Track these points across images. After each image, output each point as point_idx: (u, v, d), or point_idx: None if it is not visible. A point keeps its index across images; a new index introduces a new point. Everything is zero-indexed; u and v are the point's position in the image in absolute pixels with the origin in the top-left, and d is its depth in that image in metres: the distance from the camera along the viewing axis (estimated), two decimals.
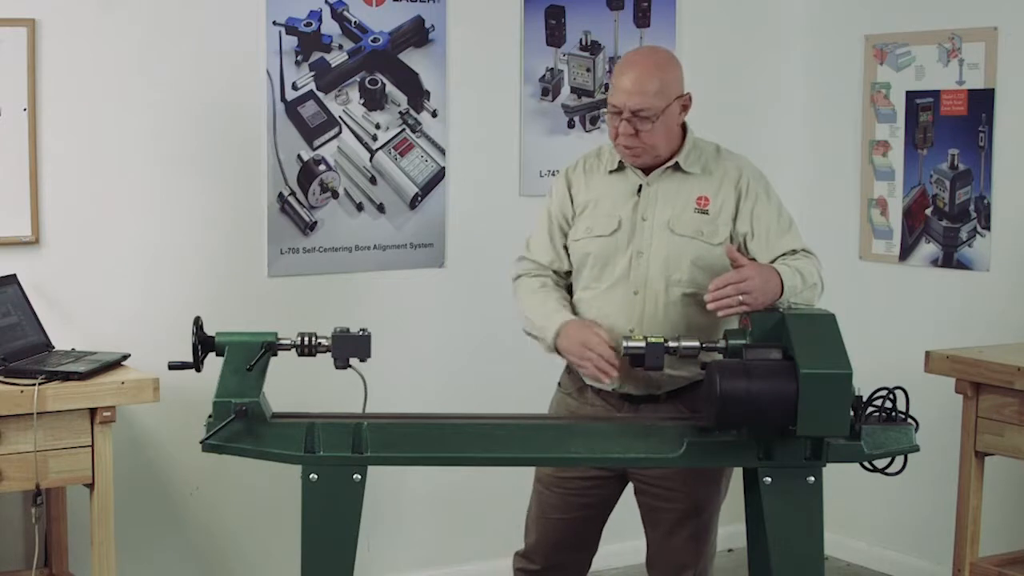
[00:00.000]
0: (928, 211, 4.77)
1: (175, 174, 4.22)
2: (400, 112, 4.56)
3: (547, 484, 3.36)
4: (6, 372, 3.57)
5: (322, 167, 4.44)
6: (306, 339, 2.88)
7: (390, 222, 4.55)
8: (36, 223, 4.00)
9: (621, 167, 3.27)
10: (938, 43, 4.71)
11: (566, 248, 3.32)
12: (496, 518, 4.50)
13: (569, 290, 3.33)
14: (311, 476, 2.80)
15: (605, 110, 3.33)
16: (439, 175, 4.61)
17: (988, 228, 4.58)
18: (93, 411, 3.59)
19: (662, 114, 3.16)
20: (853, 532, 5.03)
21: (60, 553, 3.99)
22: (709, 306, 2.96)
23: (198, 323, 2.86)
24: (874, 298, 4.97)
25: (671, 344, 2.89)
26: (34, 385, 3.49)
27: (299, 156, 4.41)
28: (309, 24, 4.38)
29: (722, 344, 2.88)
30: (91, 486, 3.63)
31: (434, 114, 4.61)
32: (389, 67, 4.53)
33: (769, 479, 2.81)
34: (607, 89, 4.88)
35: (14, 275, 3.88)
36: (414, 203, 4.59)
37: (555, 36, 4.78)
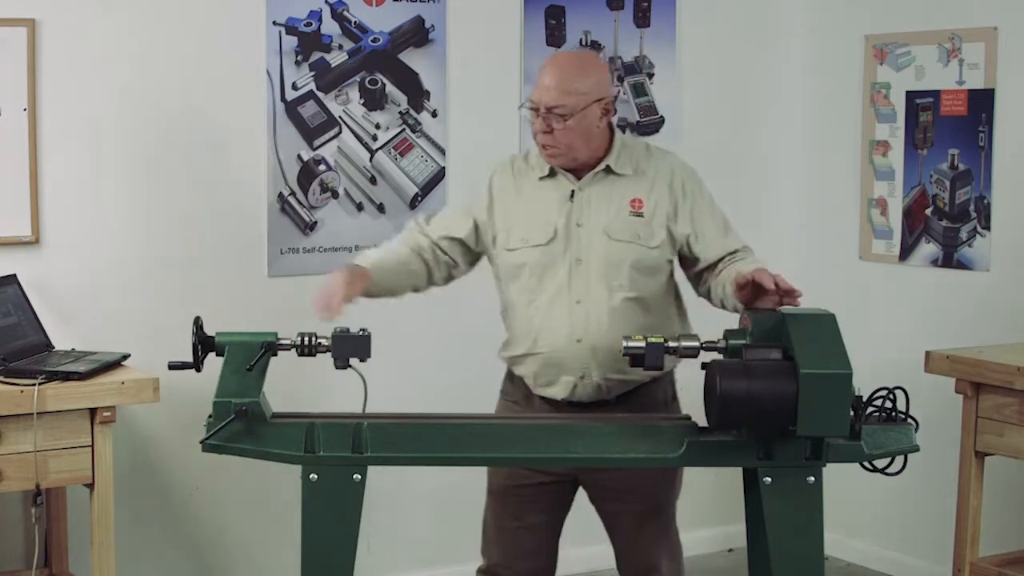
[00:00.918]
0: (928, 211, 4.77)
1: (175, 174, 4.23)
2: (400, 112, 4.56)
3: (500, 495, 3.33)
4: (6, 372, 3.57)
5: (322, 167, 4.44)
6: (306, 339, 2.88)
7: (390, 222, 4.55)
8: (36, 223, 4.00)
9: (552, 173, 3.22)
10: (938, 43, 4.71)
11: (458, 240, 3.27)
12: None
13: (428, 265, 3.28)
14: (311, 476, 2.80)
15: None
16: (439, 175, 4.61)
17: (988, 228, 4.58)
18: (93, 411, 3.59)
19: (578, 114, 3.11)
20: (853, 532, 5.03)
21: (60, 553, 3.99)
22: (784, 295, 2.89)
23: (198, 323, 2.86)
24: (874, 298, 4.97)
25: (671, 344, 2.89)
26: (34, 385, 3.49)
27: (299, 156, 4.41)
28: (309, 24, 4.38)
29: (722, 344, 2.88)
30: (91, 486, 3.63)
31: (434, 114, 4.61)
32: (389, 67, 4.53)
33: (769, 479, 2.81)
34: None
35: (14, 275, 3.88)
36: (414, 203, 4.59)
37: (555, 36, 4.78)
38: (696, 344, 2.91)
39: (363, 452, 2.81)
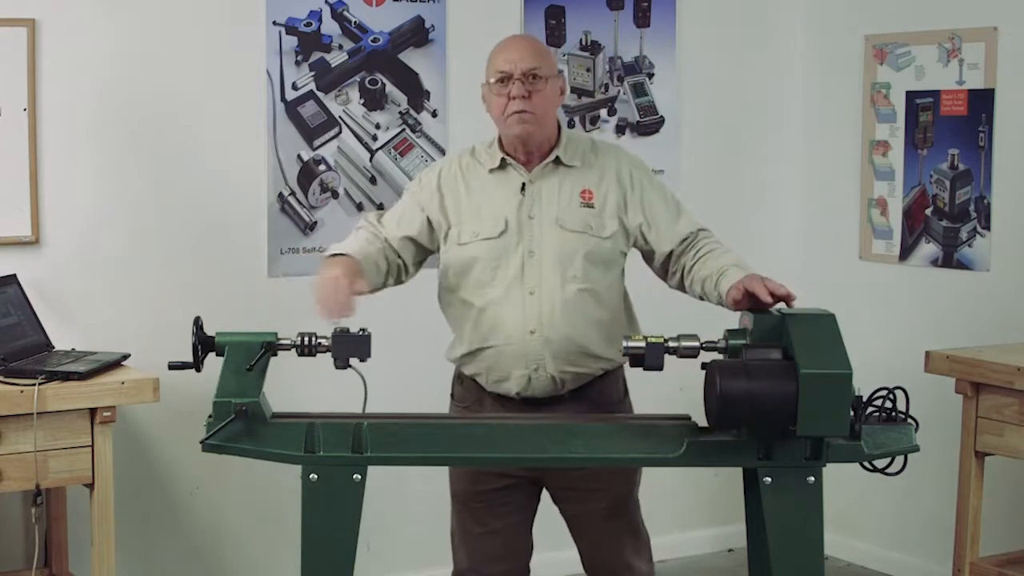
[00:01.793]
0: (928, 211, 4.77)
1: (175, 174, 4.23)
2: (400, 112, 4.56)
3: (464, 500, 3.33)
4: (6, 372, 3.57)
5: (322, 167, 4.44)
6: (306, 339, 2.88)
7: None
8: (36, 223, 4.00)
9: (502, 165, 3.23)
10: (938, 43, 4.71)
11: (411, 239, 3.25)
12: None
13: (389, 265, 3.24)
14: (311, 476, 2.79)
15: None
16: None
17: (988, 228, 4.58)
18: (93, 411, 3.59)
19: (552, 80, 3.18)
20: (853, 532, 5.03)
21: (60, 553, 3.99)
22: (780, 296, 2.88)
23: (198, 323, 2.86)
24: (874, 298, 4.97)
25: (671, 344, 2.89)
26: (34, 385, 3.49)
27: (299, 156, 4.41)
28: (309, 24, 4.38)
29: (722, 344, 2.87)
30: (91, 486, 3.63)
31: (434, 114, 4.61)
32: (389, 67, 4.53)
33: (769, 479, 2.81)
34: (607, 89, 4.91)
35: (14, 275, 3.88)
36: None
37: (555, 36, 4.78)
38: (696, 344, 2.90)
39: (363, 452, 2.81)
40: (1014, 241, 4.52)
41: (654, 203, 3.24)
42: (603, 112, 4.91)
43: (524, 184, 3.21)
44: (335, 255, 3.12)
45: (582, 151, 3.26)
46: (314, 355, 2.91)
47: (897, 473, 2.84)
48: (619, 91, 4.92)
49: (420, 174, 3.38)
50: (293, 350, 2.88)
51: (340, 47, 4.45)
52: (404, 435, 2.84)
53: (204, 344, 2.85)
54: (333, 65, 4.44)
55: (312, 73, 4.40)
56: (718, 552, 5.22)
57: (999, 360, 3.99)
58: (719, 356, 2.89)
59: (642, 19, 4.95)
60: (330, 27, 4.42)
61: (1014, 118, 4.50)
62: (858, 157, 5.02)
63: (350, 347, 2.85)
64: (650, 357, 2.88)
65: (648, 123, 4.99)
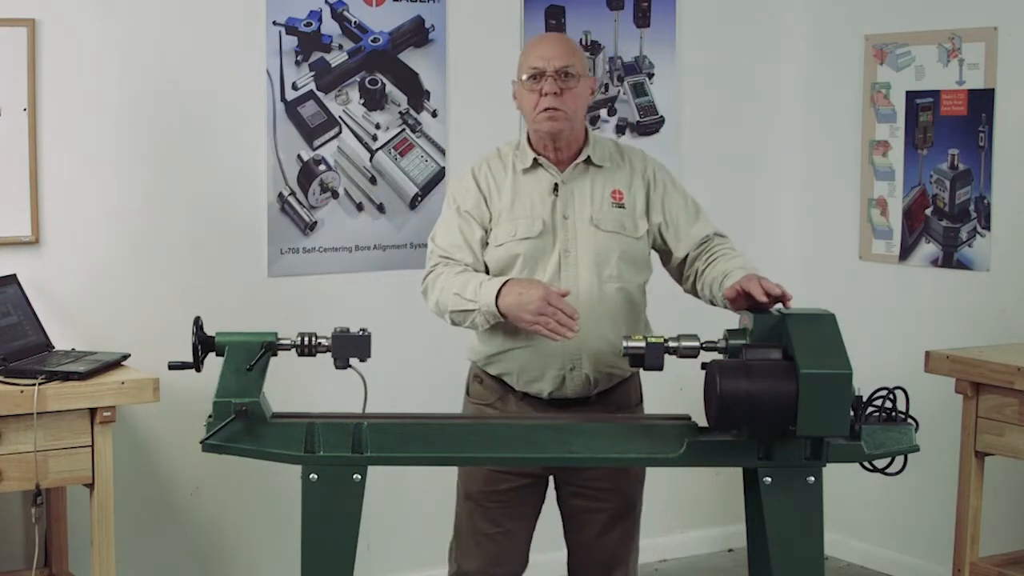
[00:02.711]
0: (928, 211, 4.77)
1: (175, 174, 4.23)
2: (400, 112, 4.56)
3: (480, 501, 3.31)
4: (6, 372, 3.57)
5: (322, 167, 4.44)
6: (306, 339, 2.88)
7: (390, 222, 4.55)
8: (36, 223, 4.00)
9: (535, 165, 3.24)
10: (938, 43, 4.71)
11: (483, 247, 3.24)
12: None
13: None
14: (311, 476, 2.80)
15: (546, 105, 3.17)
16: (439, 175, 4.61)
17: (988, 228, 4.58)
18: (93, 411, 3.59)
19: (583, 79, 3.20)
20: (853, 532, 5.03)
21: (60, 553, 3.99)
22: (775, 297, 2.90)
23: (198, 323, 2.86)
24: (874, 298, 4.96)
25: (671, 344, 2.89)
26: (34, 385, 3.49)
27: (299, 156, 4.41)
28: (309, 24, 4.38)
29: (722, 344, 2.88)
30: (91, 486, 3.63)
31: (434, 114, 4.61)
32: (389, 67, 4.53)
33: (769, 479, 2.81)
34: (607, 89, 4.91)
35: (14, 275, 3.88)
36: (414, 203, 4.59)
37: None
38: (696, 344, 2.90)
39: (363, 452, 2.81)
40: (1014, 241, 4.52)
41: (674, 204, 3.27)
42: (603, 112, 4.91)
43: (556, 185, 3.23)
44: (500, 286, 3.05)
45: (609, 152, 3.30)
46: (314, 355, 2.91)
47: (897, 473, 2.84)
48: (619, 91, 4.92)
49: (451, 190, 3.35)
50: (293, 350, 2.88)
51: (340, 47, 4.45)
52: (404, 435, 2.84)
53: (204, 344, 2.86)
54: (333, 65, 4.44)
55: (312, 73, 4.40)
56: (718, 552, 5.22)
57: (999, 360, 3.99)
58: (719, 356, 2.89)
59: (642, 19, 4.95)
60: (330, 27, 4.42)
61: (1014, 118, 4.50)
62: (858, 157, 5.02)
63: (350, 347, 2.85)
64: (650, 357, 2.88)
65: (648, 123, 4.99)
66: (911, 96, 4.81)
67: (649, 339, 2.89)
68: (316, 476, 2.80)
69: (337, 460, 2.80)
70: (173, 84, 4.19)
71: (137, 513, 4.19)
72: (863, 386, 2.79)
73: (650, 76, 4.98)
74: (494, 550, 3.33)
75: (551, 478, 3.33)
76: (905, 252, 4.87)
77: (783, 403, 2.68)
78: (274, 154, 4.36)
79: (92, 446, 3.60)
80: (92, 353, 3.82)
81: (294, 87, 4.38)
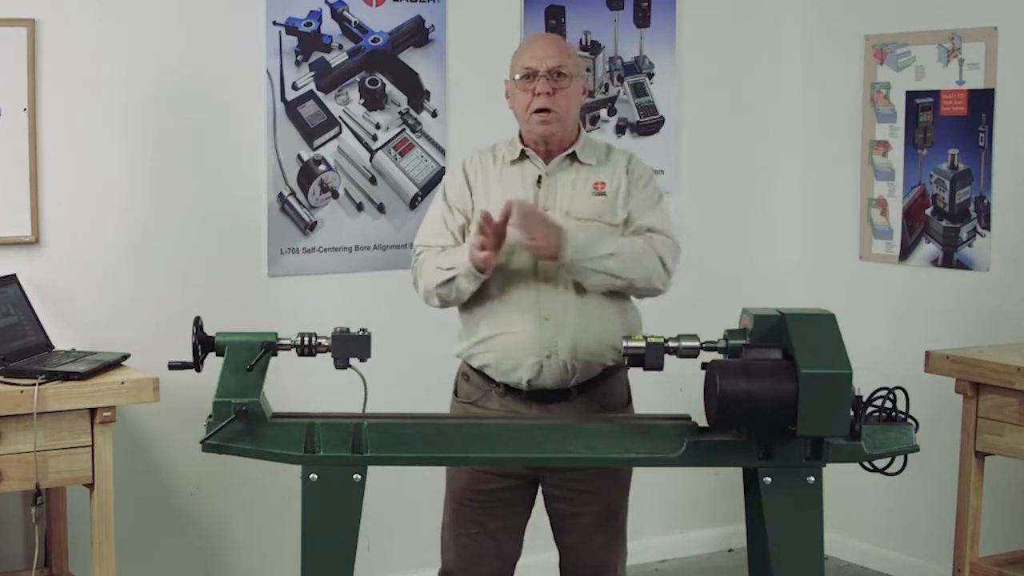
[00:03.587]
0: (928, 211, 4.77)
1: (175, 174, 4.23)
2: (400, 112, 4.56)
3: (462, 500, 3.34)
4: (6, 372, 3.57)
5: (322, 167, 4.44)
6: (306, 339, 2.88)
7: (390, 222, 4.55)
8: (36, 223, 4.00)
9: (522, 157, 3.28)
10: (938, 43, 4.71)
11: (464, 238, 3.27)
12: None
13: None
14: (311, 476, 2.80)
15: (539, 105, 3.21)
16: (439, 175, 4.61)
17: (988, 228, 4.58)
18: (93, 411, 3.59)
19: (576, 79, 3.23)
20: (853, 532, 5.03)
21: (60, 553, 3.99)
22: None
23: (198, 323, 2.86)
24: (874, 298, 4.96)
25: (671, 344, 2.89)
26: (34, 385, 3.49)
27: (299, 156, 4.41)
28: (309, 24, 4.38)
29: (722, 344, 2.88)
30: (91, 486, 3.63)
31: (434, 114, 4.61)
32: (389, 67, 4.53)
33: (769, 479, 2.81)
34: (607, 89, 4.91)
35: (14, 275, 3.88)
36: (414, 203, 4.59)
37: None
38: (696, 344, 2.91)
39: (363, 452, 2.81)
40: (1014, 241, 4.52)
41: (641, 197, 3.29)
42: (603, 112, 4.91)
43: (540, 177, 3.26)
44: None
45: (598, 153, 3.32)
46: (314, 355, 2.91)
47: (897, 473, 2.84)
48: (619, 91, 4.92)
49: (444, 181, 3.44)
50: (293, 350, 2.89)
51: (340, 47, 4.45)
52: (404, 435, 2.84)
53: (204, 344, 2.86)
54: (333, 65, 4.44)
55: (312, 73, 4.40)
56: (718, 552, 5.22)
57: (999, 360, 3.99)
58: (719, 356, 2.89)
59: (642, 19, 4.95)
60: (330, 27, 4.42)
61: (1014, 118, 4.50)
62: (858, 157, 5.02)
63: (350, 347, 2.86)
64: (650, 357, 2.88)
65: (648, 123, 4.99)
66: (911, 96, 4.81)
67: (649, 339, 2.89)
68: (316, 476, 2.80)
69: (337, 460, 2.80)
70: (173, 84, 4.19)
71: (137, 513, 4.19)
72: (863, 386, 2.79)
73: (650, 76, 4.98)
74: (473, 549, 3.35)
75: (537, 477, 3.32)
76: (905, 252, 4.86)
77: (783, 403, 2.68)
78: (274, 154, 4.36)
79: (92, 446, 3.60)
80: (92, 353, 3.82)
81: (294, 87, 4.38)
